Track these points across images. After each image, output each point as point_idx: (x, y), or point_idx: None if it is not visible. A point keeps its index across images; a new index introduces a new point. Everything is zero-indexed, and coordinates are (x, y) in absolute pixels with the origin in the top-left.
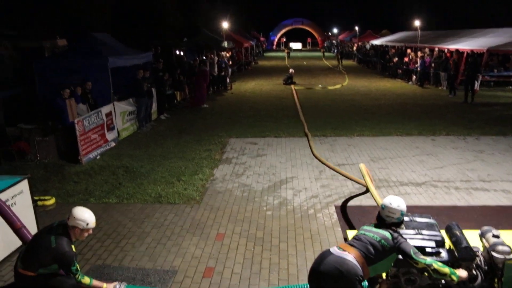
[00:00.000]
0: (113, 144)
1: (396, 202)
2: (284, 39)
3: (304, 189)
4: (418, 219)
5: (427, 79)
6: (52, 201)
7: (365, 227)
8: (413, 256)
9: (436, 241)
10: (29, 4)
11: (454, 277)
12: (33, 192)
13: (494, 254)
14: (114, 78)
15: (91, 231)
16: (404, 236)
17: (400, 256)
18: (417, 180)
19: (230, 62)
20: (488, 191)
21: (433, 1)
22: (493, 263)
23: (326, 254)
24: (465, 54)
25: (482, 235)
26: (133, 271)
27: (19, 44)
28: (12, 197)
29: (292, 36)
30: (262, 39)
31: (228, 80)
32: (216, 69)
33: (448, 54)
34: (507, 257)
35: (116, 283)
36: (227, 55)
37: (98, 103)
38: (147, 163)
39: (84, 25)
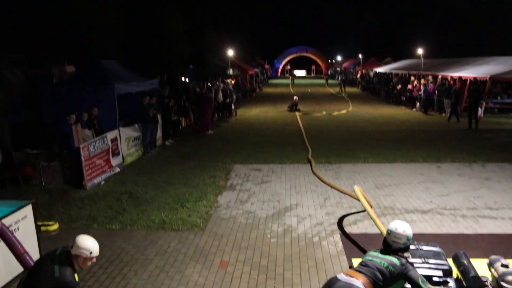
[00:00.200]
0: (117, 169)
1: (402, 227)
2: (289, 67)
3: (309, 216)
4: (425, 248)
5: (431, 106)
6: (55, 226)
7: (372, 253)
8: (421, 284)
9: (444, 270)
10: (39, 30)
11: None
12: (36, 217)
13: (503, 284)
14: (120, 104)
15: (94, 260)
16: None
17: (407, 284)
18: (422, 208)
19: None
20: (495, 219)
21: (436, 30)
22: None
23: (333, 281)
24: (468, 81)
25: (490, 265)
26: None
27: (29, 70)
28: (15, 222)
29: (297, 63)
30: (267, 66)
31: (233, 106)
32: (221, 96)
33: (451, 82)
34: None
35: None
36: (232, 82)
37: (104, 128)
38: (151, 189)
39: (92, 51)
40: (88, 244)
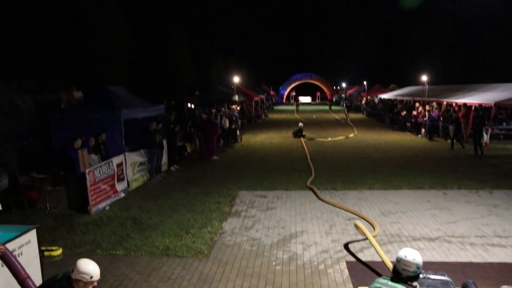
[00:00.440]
0: (122, 194)
1: (412, 255)
2: (294, 93)
3: (315, 243)
4: (433, 277)
5: (436, 132)
6: (59, 251)
7: (381, 280)
8: None
9: None
10: (49, 57)
11: None
12: (40, 242)
13: None
14: (126, 129)
15: (95, 284)
16: None
17: None
18: (430, 235)
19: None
20: (505, 248)
21: (440, 57)
22: None
23: None
24: (472, 107)
25: None
26: None
27: (37, 95)
28: (19, 246)
29: (302, 90)
30: (272, 92)
31: (238, 132)
32: (227, 122)
33: (456, 108)
34: None
35: None
36: (238, 108)
37: (110, 153)
38: (156, 214)
39: (100, 78)
40: (89, 268)
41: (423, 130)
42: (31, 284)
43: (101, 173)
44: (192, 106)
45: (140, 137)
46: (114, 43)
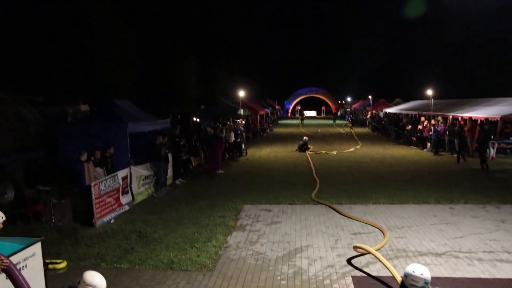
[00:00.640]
0: (127, 207)
1: (420, 270)
2: (299, 107)
3: (320, 258)
4: None
5: (442, 146)
6: (63, 264)
7: None
8: None
9: None
10: (56, 72)
11: None
12: (45, 255)
13: None
14: (132, 143)
15: None
16: None
17: None
18: (436, 250)
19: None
20: None
21: (446, 71)
22: None
23: None
24: (478, 121)
25: None
26: None
27: (44, 108)
28: (24, 259)
29: (307, 104)
30: (277, 107)
31: (243, 146)
32: (233, 136)
33: (462, 122)
34: None
35: None
36: (243, 122)
37: (116, 166)
38: (160, 228)
39: (106, 91)
40: (96, 280)
41: (428, 144)
42: None
43: (107, 186)
44: (198, 119)
45: (146, 151)
46: (121, 58)
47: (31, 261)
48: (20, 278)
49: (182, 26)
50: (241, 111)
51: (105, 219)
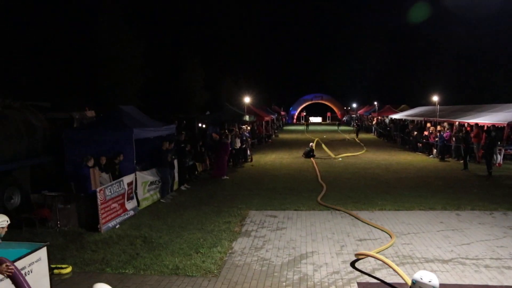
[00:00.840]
0: (132, 213)
1: (428, 277)
2: (304, 113)
3: (325, 264)
4: None
5: (448, 152)
6: (68, 269)
7: None
8: None
9: None
10: (63, 77)
11: None
12: (50, 260)
13: None
14: (137, 148)
15: None
16: None
17: None
18: (443, 257)
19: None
20: None
21: (452, 77)
22: None
23: None
24: (485, 127)
25: None
26: None
27: (51, 114)
28: (29, 264)
29: (312, 110)
30: (282, 113)
31: (248, 152)
32: (238, 142)
33: (468, 128)
34: None
35: None
36: (248, 128)
37: (122, 172)
38: (165, 233)
39: (112, 97)
40: None
41: (434, 150)
42: None
43: (112, 191)
44: (203, 125)
45: (151, 156)
46: (127, 65)
47: (36, 266)
48: (25, 284)
49: (188, 33)
50: (247, 117)
51: (110, 224)
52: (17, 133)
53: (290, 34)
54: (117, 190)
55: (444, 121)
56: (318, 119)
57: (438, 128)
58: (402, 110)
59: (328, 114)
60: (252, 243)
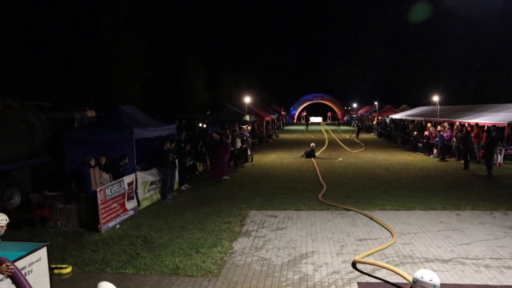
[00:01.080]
0: (132, 213)
1: (428, 276)
2: (305, 113)
3: (325, 264)
4: None
5: (448, 152)
6: (68, 269)
7: None
8: None
9: None
10: (63, 77)
11: None
12: (50, 260)
13: None
14: (137, 148)
15: None
16: None
17: None
18: (443, 257)
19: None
20: None
21: (452, 77)
22: None
23: None
24: (485, 127)
25: None
26: None
27: (51, 114)
28: (29, 264)
29: (313, 110)
30: (283, 113)
31: (249, 152)
32: (239, 142)
33: (468, 128)
34: None
35: None
36: (248, 128)
37: (123, 173)
38: (166, 233)
39: (113, 97)
40: None
41: (435, 150)
42: None
43: (113, 191)
44: (204, 125)
45: (151, 156)
46: (128, 65)
47: (36, 266)
48: (24, 282)
49: (189, 33)
50: (247, 117)
51: (111, 224)
52: (17, 133)
53: (291, 34)
54: (118, 190)
55: (444, 121)
56: (318, 119)
57: (438, 128)
58: (402, 110)
59: (329, 114)
60: (252, 243)
